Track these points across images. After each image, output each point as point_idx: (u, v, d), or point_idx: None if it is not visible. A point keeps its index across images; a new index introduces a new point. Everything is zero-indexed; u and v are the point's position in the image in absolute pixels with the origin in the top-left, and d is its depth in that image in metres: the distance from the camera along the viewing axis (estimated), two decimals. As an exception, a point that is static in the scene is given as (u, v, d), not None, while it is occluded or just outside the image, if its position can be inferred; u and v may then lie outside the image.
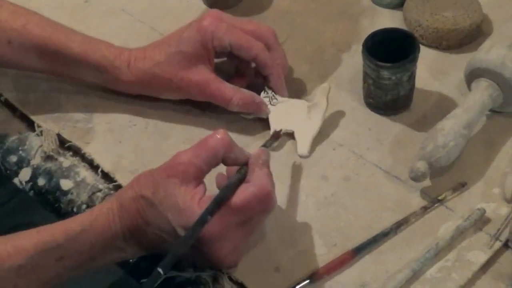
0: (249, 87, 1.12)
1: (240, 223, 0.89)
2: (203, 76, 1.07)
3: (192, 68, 1.07)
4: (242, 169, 0.92)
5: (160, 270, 0.81)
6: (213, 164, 0.91)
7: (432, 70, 1.16)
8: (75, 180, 1.07)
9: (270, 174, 0.92)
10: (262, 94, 1.11)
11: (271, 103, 1.10)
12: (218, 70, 1.10)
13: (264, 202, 0.89)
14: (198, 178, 0.89)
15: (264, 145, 1.00)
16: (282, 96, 1.11)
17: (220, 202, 0.87)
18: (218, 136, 0.91)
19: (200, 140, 0.92)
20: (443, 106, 1.11)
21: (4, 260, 0.85)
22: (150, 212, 0.88)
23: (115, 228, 0.89)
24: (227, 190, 0.88)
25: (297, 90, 1.15)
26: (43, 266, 0.87)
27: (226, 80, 1.10)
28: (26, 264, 0.86)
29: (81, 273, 0.91)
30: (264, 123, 1.10)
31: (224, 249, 0.89)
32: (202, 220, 0.84)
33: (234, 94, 1.07)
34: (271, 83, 1.10)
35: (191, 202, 0.86)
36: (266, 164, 0.92)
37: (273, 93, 1.10)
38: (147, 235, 0.90)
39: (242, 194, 0.88)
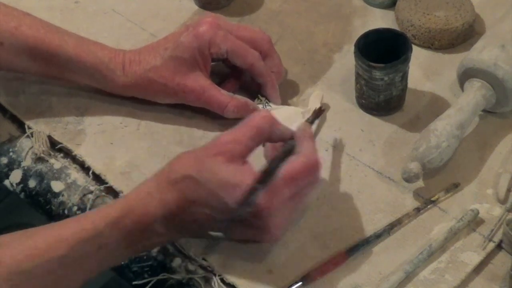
0: (242, 89, 1.13)
1: (290, 195, 0.89)
2: (198, 83, 1.07)
3: (188, 74, 1.06)
4: (289, 142, 0.93)
5: (219, 234, 0.85)
6: (258, 142, 0.92)
7: (424, 70, 1.16)
8: (66, 182, 1.07)
9: (315, 147, 0.94)
10: (256, 101, 1.11)
11: (264, 108, 1.10)
12: (212, 72, 1.10)
13: (313, 171, 0.91)
14: (244, 156, 0.90)
15: (307, 121, 1.03)
16: (276, 104, 1.11)
17: (270, 172, 0.87)
18: (262, 114, 0.92)
19: (241, 121, 0.93)
20: (436, 106, 1.10)
21: (46, 252, 0.85)
22: (196, 191, 0.88)
23: (154, 213, 0.89)
24: (277, 161, 0.90)
25: (288, 91, 1.15)
26: (85, 255, 0.87)
27: (219, 81, 1.11)
28: (68, 254, 0.85)
29: (120, 261, 0.93)
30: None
31: (275, 222, 0.89)
32: (254, 190, 0.85)
33: (229, 101, 1.07)
34: (265, 91, 1.11)
35: (242, 176, 0.87)
36: (312, 137, 0.94)
37: (266, 100, 1.11)
38: (191, 215, 0.89)
39: (291, 165, 0.89)
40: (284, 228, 0.91)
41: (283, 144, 0.94)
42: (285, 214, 0.90)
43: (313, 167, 0.90)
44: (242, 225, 0.88)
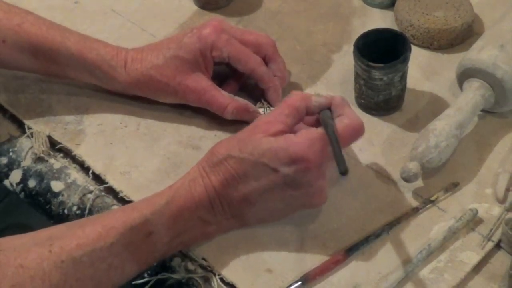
0: (246, 92, 1.13)
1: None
2: (199, 83, 1.07)
3: (190, 74, 1.07)
4: (322, 113, 0.96)
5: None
6: (296, 118, 0.95)
7: (423, 70, 1.16)
8: (66, 181, 1.07)
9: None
10: (258, 104, 1.11)
11: (265, 113, 1.10)
12: (215, 71, 1.10)
13: (357, 133, 0.95)
14: (285, 132, 0.92)
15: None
16: None
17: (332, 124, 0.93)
18: (298, 95, 0.95)
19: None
20: (435, 106, 1.10)
21: (96, 240, 0.86)
22: (240, 167, 0.91)
23: (199, 197, 0.92)
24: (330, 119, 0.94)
25: (287, 91, 1.14)
26: (134, 243, 0.89)
27: (220, 83, 1.11)
28: (117, 242, 0.87)
29: (169, 254, 0.95)
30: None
31: (323, 176, 0.93)
32: (332, 130, 0.91)
33: (229, 102, 1.07)
34: (267, 97, 1.11)
35: (284, 141, 0.90)
36: (349, 105, 0.97)
37: (268, 105, 1.11)
38: (238, 193, 0.92)
39: (338, 125, 0.93)
40: (327, 188, 0.95)
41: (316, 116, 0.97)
42: (330, 172, 0.93)
43: (358, 129, 0.94)
44: (292, 189, 0.91)
